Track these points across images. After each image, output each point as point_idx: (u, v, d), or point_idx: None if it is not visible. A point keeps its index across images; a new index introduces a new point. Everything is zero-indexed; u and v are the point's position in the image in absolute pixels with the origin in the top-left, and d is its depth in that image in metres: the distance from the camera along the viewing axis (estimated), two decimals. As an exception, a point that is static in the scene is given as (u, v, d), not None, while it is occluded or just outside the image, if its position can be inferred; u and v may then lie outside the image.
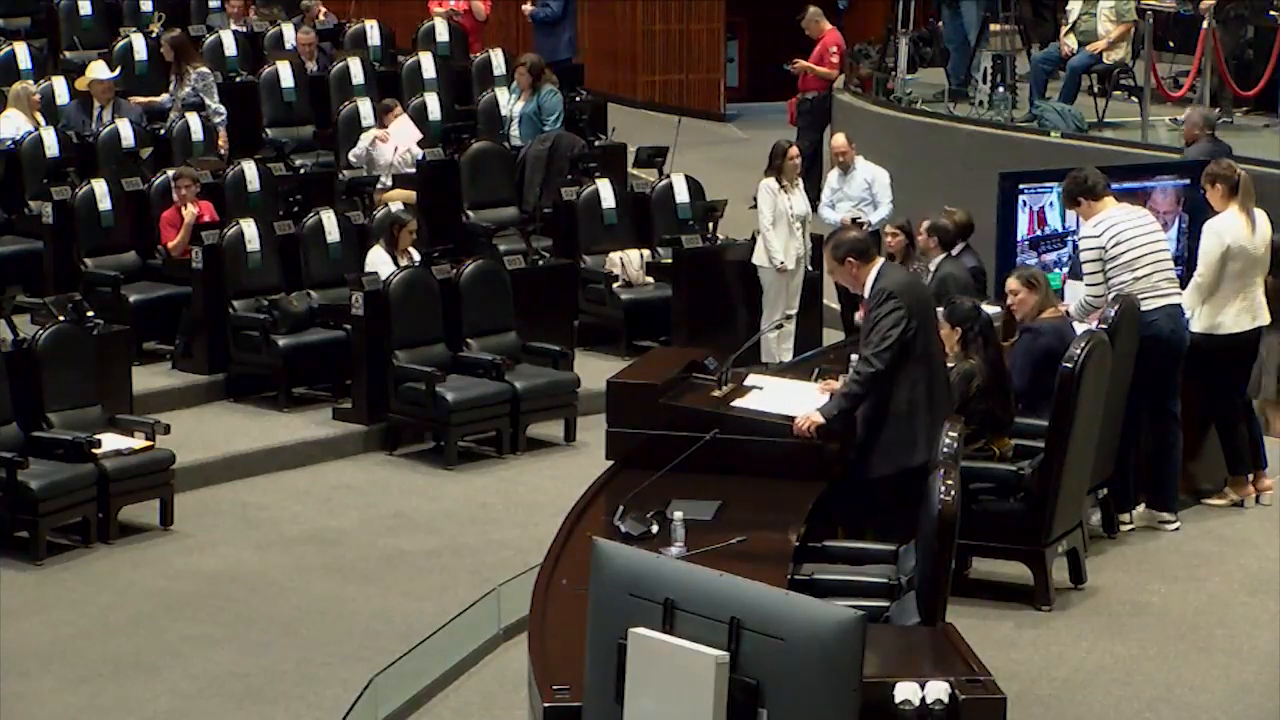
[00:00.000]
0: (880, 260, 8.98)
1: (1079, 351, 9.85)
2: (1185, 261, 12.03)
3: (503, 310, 13.78)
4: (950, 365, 9.93)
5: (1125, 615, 9.92)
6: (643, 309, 14.88)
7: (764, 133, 19.02)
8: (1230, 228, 11.06)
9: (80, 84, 16.28)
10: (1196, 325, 11.10)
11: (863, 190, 14.77)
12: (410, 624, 10.09)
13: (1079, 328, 10.52)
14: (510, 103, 17.00)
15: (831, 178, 15.04)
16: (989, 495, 9.89)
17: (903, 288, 8.83)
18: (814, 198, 15.13)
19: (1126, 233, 10.68)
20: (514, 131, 16.77)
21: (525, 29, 22.60)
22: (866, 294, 8.91)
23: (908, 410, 8.77)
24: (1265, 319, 11.29)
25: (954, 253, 12.32)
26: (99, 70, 16.24)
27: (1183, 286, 11.15)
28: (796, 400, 9.09)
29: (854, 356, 9.05)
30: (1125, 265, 10.64)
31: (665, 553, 7.26)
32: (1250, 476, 11.49)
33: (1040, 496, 9.81)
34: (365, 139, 16.23)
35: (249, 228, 13.97)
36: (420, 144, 16.08)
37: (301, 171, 16.08)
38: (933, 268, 12.15)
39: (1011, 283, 10.57)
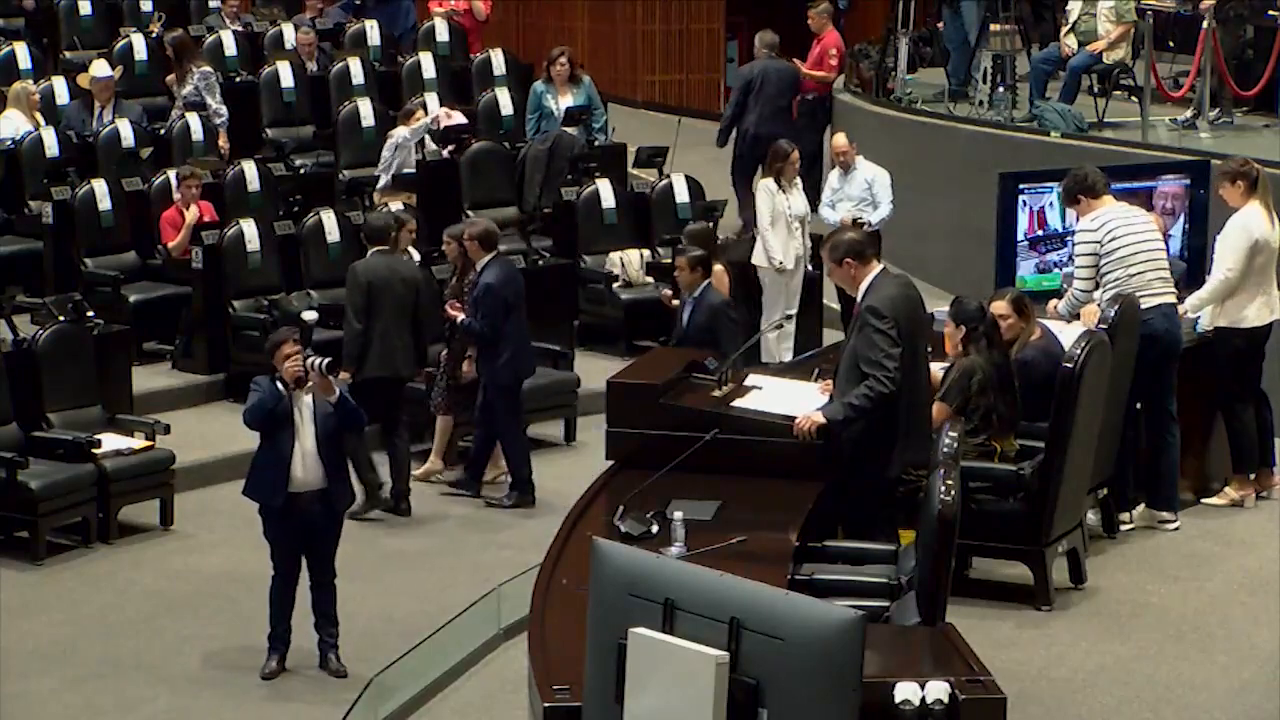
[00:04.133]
0: (877, 265, 8.91)
1: (1079, 351, 9.85)
2: (1186, 261, 12.03)
3: (503, 310, 13.76)
4: (949, 364, 9.94)
5: (1125, 615, 9.93)
6: (643, 309, 14.83)
7: (764, 133, 18.97)
8: (1256, 222, 11.11)
9: (83, 80, 16.29)
10: (1221, 320, 11.14)
11: (863, 190, 14.74)
12: (410, 624, 10.09)
13: (1066, 330, 10.50)
14: (540, 101, 16.79)
15: (832, 178, 15.02)
16: (989, 495, 9.89)
17: (890, 302, 8.72)
18: (814, 198, 15.11)
19: (1122, 230, 10.69)
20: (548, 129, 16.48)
21: (526, 29, 22.58)
22: (859, 297, 8.87)
23: (886, 422, 8.71)
24: None
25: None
26: (99, 69, 16.24)
27: (1183, 285, 11.17)
28: (796, 400, 9.08)
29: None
30: (1120, 263, 10.65)
31: (665, 553, 7.26)
32: (1253, 475, 11.50)
33: (1040, 496, 9.81)
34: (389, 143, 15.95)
35: (249, 228, 13.96)
36: (422, 143, 16.00)
37: (301, 171, 16.06)
38: (479, 268, 11.98)
39: (1002, 307, 10.33)
